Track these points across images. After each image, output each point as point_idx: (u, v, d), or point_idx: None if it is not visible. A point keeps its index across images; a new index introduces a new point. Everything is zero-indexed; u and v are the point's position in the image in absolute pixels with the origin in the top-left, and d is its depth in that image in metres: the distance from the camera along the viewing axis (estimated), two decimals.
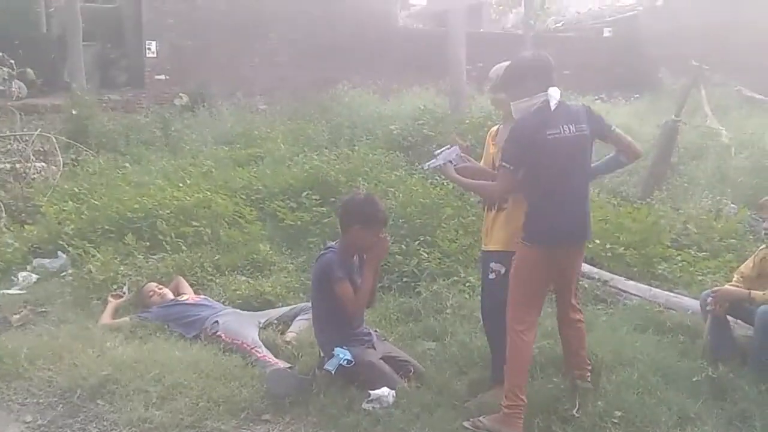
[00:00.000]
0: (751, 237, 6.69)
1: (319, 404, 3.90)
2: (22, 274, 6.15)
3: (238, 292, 5.53)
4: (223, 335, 4.74)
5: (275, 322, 5.08)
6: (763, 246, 4.48)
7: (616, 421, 3.62)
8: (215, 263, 6.14)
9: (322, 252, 4.35)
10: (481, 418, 3.72)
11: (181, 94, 14.88)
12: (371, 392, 3.87)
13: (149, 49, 15.85)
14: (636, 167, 9.06)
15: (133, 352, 4.48)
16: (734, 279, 4.54)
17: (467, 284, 5.58)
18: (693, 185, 7.95)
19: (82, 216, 6.86)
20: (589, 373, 3.98)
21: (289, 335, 4.82)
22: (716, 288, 4.42)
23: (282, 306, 5.36)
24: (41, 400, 4.04)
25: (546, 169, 3.55)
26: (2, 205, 7.64)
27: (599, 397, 3.81)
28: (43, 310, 5.42)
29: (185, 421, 3.74)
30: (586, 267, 5.35)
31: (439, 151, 4.06)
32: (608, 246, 6.09)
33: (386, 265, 5.61)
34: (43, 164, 9.12)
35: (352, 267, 4.25)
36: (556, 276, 3.77)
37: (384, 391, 3.88)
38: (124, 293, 5.53)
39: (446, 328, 4.88)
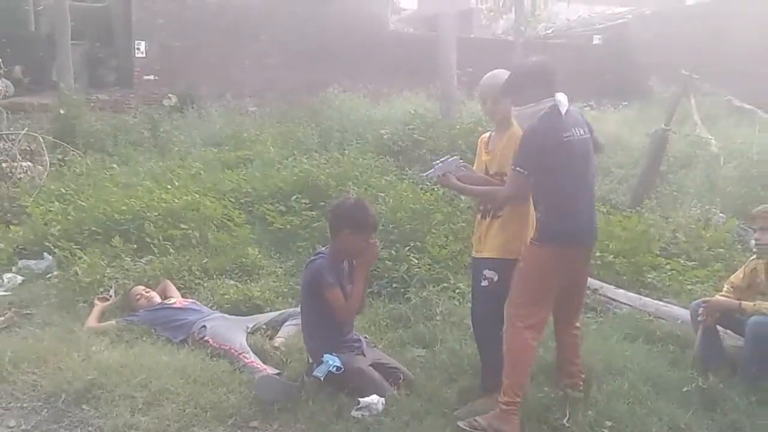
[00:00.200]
0: (739, 247, 6.71)
1: (308, 411, 3.86)
2: (7, 276, 6.07)
3: (226, 297, 5.48)
4: (210, 340, 4.68)
5: (263, 327, 5.03)
6: (754, 257, 4.47)
7: (606, 431, 3.61)
8: (203, 267, 6.09)
9: (311, 258, 4.32)
10: (477, 418, 3.71)
11: (170, 95, 14.81)
12: (360, 399, 3.83)
13: (138, 48, 15.77)
14: (625, 175, 9.13)
15: (119, 356, 4.41)
16: (724, 289, 4.54)
17: (457, 291, 5.56)
18: (682, 194, 7.97)
19: (69, 217, 6.79)
20: (581, 382, 3.98)
21: (278, 341, 4.78)
22: (707, 298, 4.43)
23: (270, 311, 5.31)
24: (25, 405, 3.97)
25: (564, 171, 3.57)
26: None
27: (590, 407, 3.80)
28: (28, 312, 5.35)
29: (172, 428, 3.69)
30: None
31: (438, 161, 4.06)
32: (598, 254, 6.08)
33: (376, 271, 5.58)
34: (30, 164, 9.03)
35: (342, 272, 4.22)
36: (567, 279, 3.75)
37: (373, 398, 3.84)
38: (111, 296, 5.46)
39: (436, 335, 4.85)
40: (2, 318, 5.15)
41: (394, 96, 14.20)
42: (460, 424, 3.70)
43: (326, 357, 4.01)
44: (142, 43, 15.78)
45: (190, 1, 16.15)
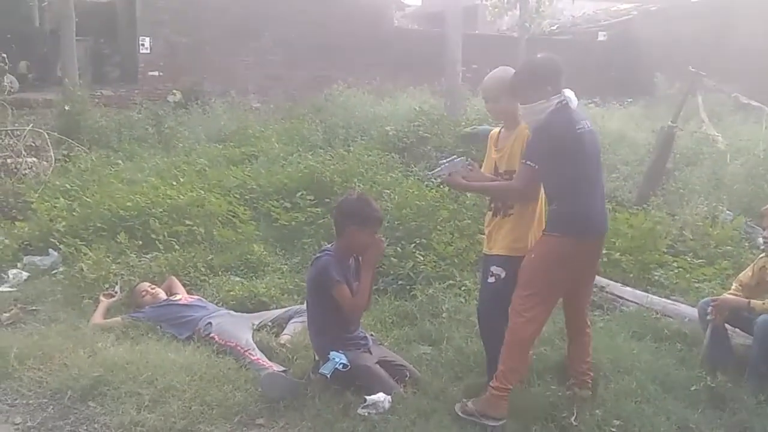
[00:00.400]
0: (746, 244, 6.68)
1: (314, 409, 3.84)
2: (12, 272, 6.05)
3: (231, 293, 5.46)
4: (216, 337, 4.67)
5: (269, 324, 5.01)
6: (763, 255, 4.44)
7: (614, 430, 3.61)
8: (208, 263, 6.07)
9: (317, 255, 4.29)
10: (468, 402, 3.77)
11: (174, 91, 14.82)
12: (367, 397, 3.82)
13: (143, 45, 15.76)
14: (631, 172, 9.09)
15: (125, 353, 4.40)
16: (733, 287, 4.51)
17: (463, 288, 5.53)
18: (688, 191, 7.93)
19: (74, 213, 6.77)
20: (589, 381, 3.96)
21: (284, 338, 4.76)
22: (716, 297, 4.40)
23: (276, 308, 5.29)
24: (31, 401, 3.97)
25: (578, 163, 3.60)
26: None
27: (597, 406, 3.79)
28: (34, 308, 5.34)
29: (178, 425, 3.67)
30: None
31: (444, 161, 4.05)
32: (605, 251, 6.04)
33: (381, 268, 5.57)
34: (35, 160, 9.02)
35: (348, 269, 4.20)
36: (577, 271, 3.75)
37: (380, 396, 3.82)
38: (116, 292, 5.43)
39: (442, 332, 4.83)
40: (7, 314, 5.14)
41: (398, 92, 14.16)
42: (456, 407, 3.78)
43: (333, 354, 3.99)
44: (147, 39, 15.77)
45: None
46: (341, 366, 3.95)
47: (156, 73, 15.96)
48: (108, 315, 5.15)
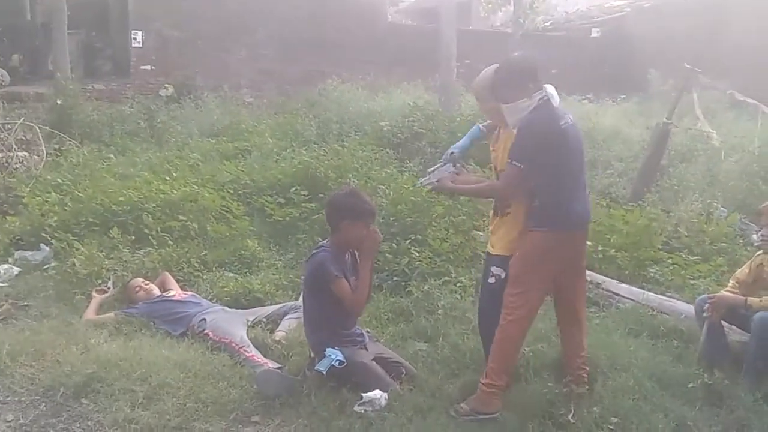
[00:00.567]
0: (741, 241, 6.67)
1: (310, 406, 3.82)
2: (3, 267, 5.99)
3: (226, 289, 5.43)
4: (210, 333, 4.64)
5: (264, 320, 4.98)
6: (760, 252, 4.43)
7: (612, 427, 3.59)
8: (202, 259, 6.04)
9: (313, 251, 4.27)
10: (462, 404, 3.80)
11: (166, 85, 14.69)
12: (363, 395, 3.80)
13: (135, 38, 15.59)
14: (625, 169, 9.09)
15: (118, 349, 4.36)
16: (729, 284, 4.51)
17: (458, 284, 5.52)
18: (683, 188, 7.92)
19: (66, 208, 6.71)
20: (585, 377, 3.96)
21: (279, 334, 4.72)
22: (713, 294, 4.39)
23: (271, 304, 5.26)
24: (23, 398, 3.93)
25: (564, 158, 3.65)
26: None
27: (595, 403, 3.77)
28: (25, 304, 5.31)
29: (172, 422, 3.65)
30: None
31: (432, 168, 4.13)
32: (600, 248, 6.05)
33: (376, 264, 5.52)
34: (26, 154, 8.93)
35: (345, 264, 4.17)
36: (565, 264, 3.79)
37: (376, 393, 3.81)
38: (109, 288, 5.40)
39: (438, 329, 4.81)
40: None
41: (392, 88, 14.12)
42: (451, 412, 3.79)
43: (329, 351, 3.97)
44: (139, 32, 15.61)
45: None
46: (337, 363, 3.93)
47: (148, 67, 15.80)
48: (101, 311, 5.13)
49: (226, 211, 6.90)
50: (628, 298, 5.35)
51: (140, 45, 15.72)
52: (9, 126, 9.40)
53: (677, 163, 8.97)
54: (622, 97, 15.46)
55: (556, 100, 3.65)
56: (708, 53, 13.56)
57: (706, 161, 8.73)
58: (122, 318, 4.94)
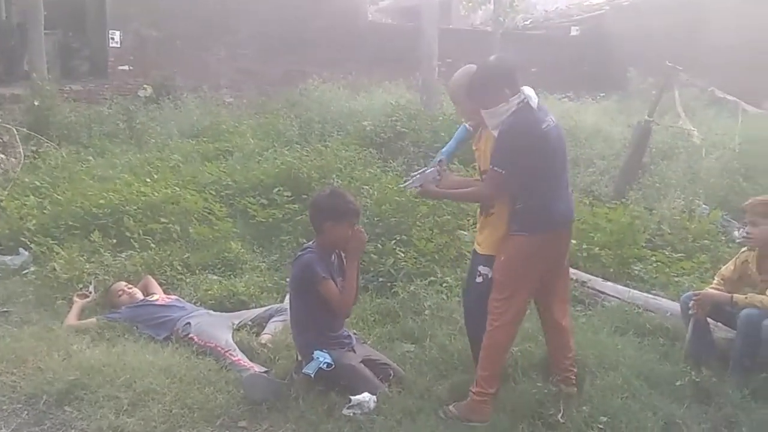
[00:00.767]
0: (723, 238, 6.71)
1: (298, 410, 3.79)
2: None
3: (209, 292, 5.37)
4: (195, 338, 4.58)
5: (249, 323, 4.93)
6: (745, 249, 4.45)
7: (601, 426, 3.58)
8: (185, 261, 5.96)
9: (299, 253, 4.21)
10: (451, 407, 3.79)
11: (145, 86, 14.55)
12: (352, 397, 3.77)
13: (113, 38, 15.44)
14: (607, 167, 9.12)
15: (101, 355, 4.30)
16: (715, 281, 4.51)
17: (444, 285, 5.50)
18: (664, 185, 7.96)
19: (45, 211, 6.62)
20: (573, 377, 3.96)
21: (265, 337, 4.68)
22: (698, 291, 4.39)
23: (255, 307, 5.21)
24: (5, 407, 3.85)
25: (546, 161, 3.63)
26: None
27: (584, 402, 3.77)
28: (5, 310, 5.22)
29: (158, 429, 3.60)
30: None
31: (416, 172, 4.09)
32: (584, 246, 6.06)
33: (362, 264, 5.49)
34: (3, 156, 8.79)
35: (331, 266, 4.14)
36: (549, 265, 3.79)
37: (365, 396, 3.78)
38: (91, 293, 5.31)
39: (425, 330, 4.78)
40: None
41: (373, 87, 14.08)
42: (440, 413, 3.77)
43: (316, 354, 3.94)
44: (117, 32, 15.45)
45: None
46: (325, 365, 3.90)
47: (126, 68, 15.66)
48: (82, 316, 5.05)
49: (209, 213, 6.82)
50: (613, 296, 5.36)
51: (118, 45, 15.57)
52: None
53: (658, 160, 9.01)
54: (602, 95, 15.53)
55: (534, 101, 3.63)
56: (686, 51, 13.68)
57: (687, 158, 8.78)
58: (105, 323, 4.86)
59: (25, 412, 3.80)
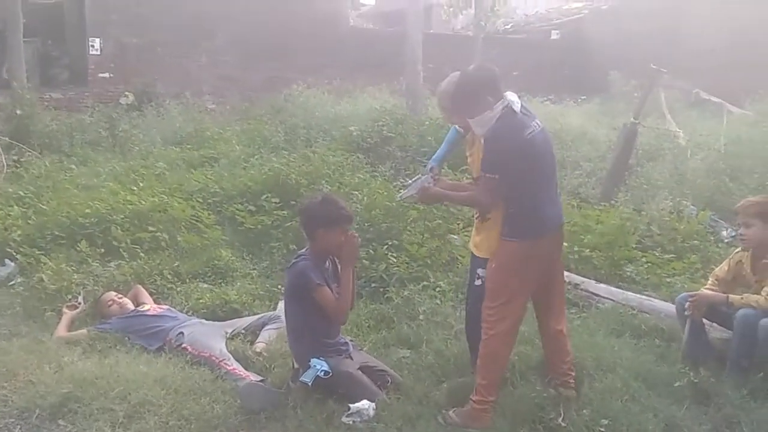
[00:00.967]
0: (712, 238, 6.75)
1: (297, 419, 3.74)
2: None
3: (201, 301, 5.31)
4: (188, 347, 4.52)
5: (243, 332, 4.87)
6: (738, 249, 4.47)
7: (603, 429, 3.55)
8: (175, 270, 5.89)
9: (293, 260, 4.17)
10: (450, 413, 3.77)
11: (126, 93, 14.43)
12: (351, 405, 3.74)
13: (92, 46, 15.30)
14: (594, 169, 9.15)
15: (93, 367, 4.22)
16: (709, 282, 4.52)
17: (438, 289, 5.48)
18: (651, 187, 7.99)
19: (29, 221, 6.50)
20: (572, 381, 3.95)
21: (259, 346, 4.62)
22: (694, 292, 4.39)
23: (248, 314, 5.16)
24: None
25: (532, 168, 3.62)
26: None
27: (584, 405, 3.75)
28: None
29: None
30: None
31: (410, 181, 4.13)
32: (576, 248, 6.06)
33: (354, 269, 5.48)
34: None
35: (326, 272, 4.10)
36: (542, 269, 3.78)
37: (364, 403, 3.75)
38: (80, 303, 5.21)
39: (421, 335, 4.76)
40: None
41: (357, 92, 14.06)
42: (439, 418, 3.76)
43: (313, 361, 3.90)
44: (97, 40, 15.32)
45: None
46: (323, 373, 3.86)
47: (107, 75, 15.52)
48: (72, 327, 4.96)
49: (197, 221, 6.75)
50: (607, 298, 5.35)
51: (98, 52, 15.44)
52: None
53: (644, 162, 9.06)
54: (583, 98, 15.63)
55: (518, 106, 3.62)
56: (666, 54, 13.79)
57: (673, 160, 8.83)
58: (95, 334, 4.78)
59: (18, 427, 3.72)
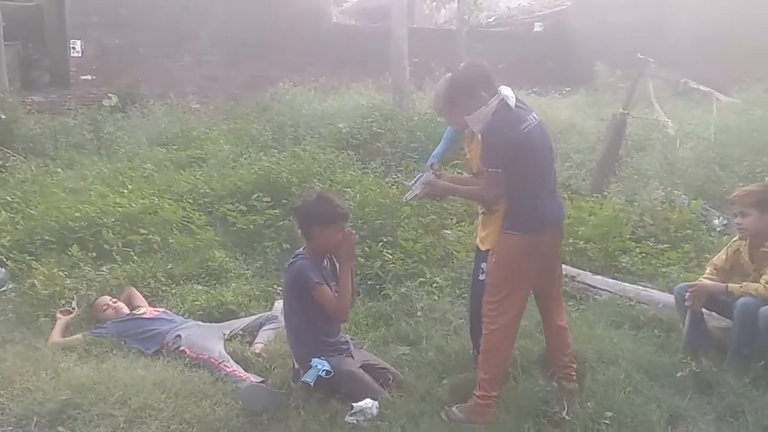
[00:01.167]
0: (704, 227, 6.77)
1: (300, 420, 3.71)
2: None
3: (197, 303, 5.25)
4: (187, 350, 4.47)
5: (240, 333, 4.83)
6: (736, 238, 4.48)
7: (607, 422, 3.56)
8: (168, 272, 5.82)
9: (291, 260, 4.13)
10: (453, 409, 3.76)
11: (110, 95, 14.27)
12: (354, 404, 3.71)
13: (74, 48, 15.12)
14: (583, 160, 9.17)
15: (91, 372, 4.17)
16: (707, 272, 4.53)
17: (434, 285, 5.46)
18: (642, 177, 8.01)
19: (18, 227, 6.40)
20: (573, 373, 3.95)
21: (258, 347, 4.58)
22: (693, 283, 4.39)
23: (245, 315, 5.11)
24: None
25: (532, 162, 3.60)
26: None
27: (587, 398, 3.75)
28: None
29: None
30: None
31: (413, 180, 4.07)
32: (570, 240, 6.06)
33: None
34: None
35: (324, 271, 4.07)
36: (542, 263, 3.77)
37: (367, 402, 3.72)
38: (74, 308, 5.13)
39: (420, 331, 4.74)
40: None
41: (342, 89, 14.02)
42: (441, 415, 3.74)
43: (314, 361, 3.87)
44: (78, 42, 15.14)
45: None
46: (324, 373, 3.84)
47: (89, 77, 15.35)
48: (67, 332, 4.89)
49: (188, 222, 6.68)
50: (604, 290, 5.35)
51: (79, 54, 15.27)
52: None
53: (633, 152, 9.07)
54: (568, 89, 15.66)
55: (513, 100, 3.60)
56: (650, 45, 13.83)
57: (662, 150, 8.85)
58: (91, 339, 4.71)
59: None
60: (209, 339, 4.57)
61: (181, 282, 5.74)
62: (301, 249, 4.18)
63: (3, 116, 9.93)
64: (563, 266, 5.47)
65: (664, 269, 5.76)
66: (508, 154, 3.53)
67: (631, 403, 3.69)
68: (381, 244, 5.93)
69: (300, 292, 3.94)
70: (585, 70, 16.45)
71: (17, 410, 3.82)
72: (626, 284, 5.36)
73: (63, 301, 5.23)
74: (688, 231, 6.51)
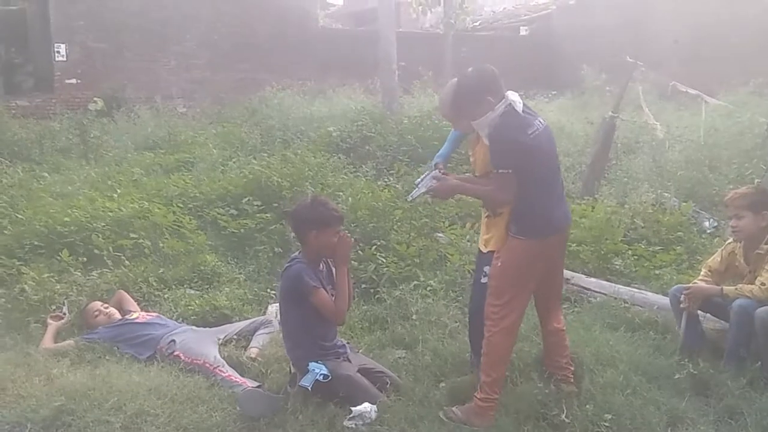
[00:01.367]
0: (695, 229, 6.80)
1: (298, 425, 3.67)
2: None
3: (190, 308, 5.20)
4: (181, 355, 4.42)
5: (235, 337, 4.79)
6: (730, 240, 4.50)
7: (607, 424, 3.56)
8: (160, 277, 5.77)
9: (287, 264, 4.09)
10: (453, 409, 3.75)
11: (96, 99, 14.21)
12: (352, 408, 3.68)
13: (58, 52, 15.01)
14: (573, 163, 9.18)
15: (85, 378, 4.10)
16: (702, 273, 4.54)
17: (429, 288, 5.44)
18: (632, 180, 8.04)
19: (6, 232, 6.30)
20: (571, 375, 3.96)
21: (253, 351, 4.55)
22: (688, 285, 4.41)
23: (239, 320, 5.07)
24: None
25: (539, 167, 3.60)
26: None
27: (586, 400, 3.74)
28: None
29: None
30: None
31: (419, 179, 4.03)
32: None
33: None
34: None
35: (321, 275, 4.04)
36: (546, 268, 3.76)
37: (366, 406, 3.70)
38: (65, 314, 5.07)
39: (415, 335, 4.71)
40: None
41: (330, 93, 14.00)
42: (440, 414, 3.74)
43: (312, 365, 3.84)
44: (63, 46, 15.03)
45: (111, 2, 15.45)
46: (322, 377, 3.81)
47: (74, 81, 15.24)
48: (58, 338, 4.82)
49: (179, 226, 6.62)
50: (598, 292, 5.35)
51: (64, 58, 15.18)
52: None
53: (622, 155, 9.11)
54: (554, 93, 15.71)
55: (519, 105, 3.59)
56: (636, 48, 13.93)
57: (652, 152, 8.88)
58: (83, 344, 4.65)
59: None
60: (204, 344, 4.53)
61: (174, 286, 5.69)
62: (296, 253, 4.16)
63: None
64: None
65: (656, 271, 5.76)
66: (517, 157, 3.53)
67: (630, 405, 3.69)
68: (374, 247, 5.91)
69: (297, 296, 3.91)
70: (571, 73, 16.56)
71: (10, 417, 3.75)
72: (620, 286, 5.36)
73: (54, 307, 5.17)
74: (680, 233, 6.52)
